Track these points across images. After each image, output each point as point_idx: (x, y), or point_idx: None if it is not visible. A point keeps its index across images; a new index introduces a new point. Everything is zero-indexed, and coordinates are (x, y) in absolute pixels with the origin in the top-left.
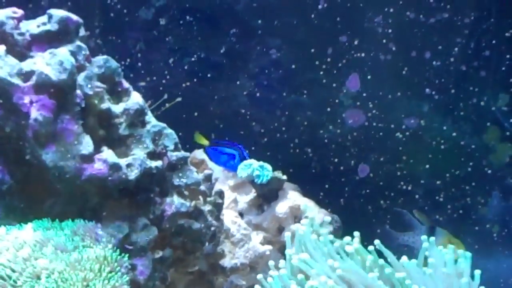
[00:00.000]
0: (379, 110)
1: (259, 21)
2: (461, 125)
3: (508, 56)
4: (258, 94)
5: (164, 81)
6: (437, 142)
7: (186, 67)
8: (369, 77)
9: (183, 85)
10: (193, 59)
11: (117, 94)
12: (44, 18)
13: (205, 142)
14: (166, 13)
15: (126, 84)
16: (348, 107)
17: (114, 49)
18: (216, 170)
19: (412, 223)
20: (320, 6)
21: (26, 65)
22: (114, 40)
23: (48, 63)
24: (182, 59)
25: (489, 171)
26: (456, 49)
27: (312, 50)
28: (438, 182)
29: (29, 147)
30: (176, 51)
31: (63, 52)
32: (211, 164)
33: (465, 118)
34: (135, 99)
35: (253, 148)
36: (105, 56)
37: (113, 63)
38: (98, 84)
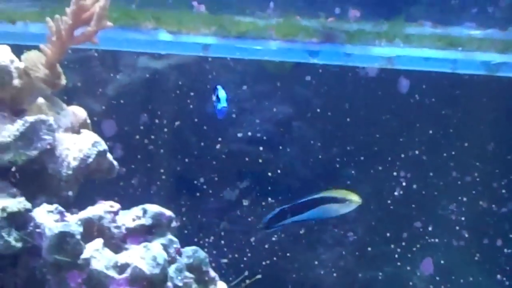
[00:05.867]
0: None
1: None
2: None
3: None
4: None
5: (245, 258)
6: None
7: (266, 246)
8: (442, 261)
9: (263, 263)
10: (273, 238)
11: (204, 283)
12: (138, 211)
13: None
14: (249, 194)
15: (212, 273)
16: None
17: (198, 228)
18: None
19: None
20: (396, 193)
21: (122, 258)
22: (199, 219)
23: (142, 257)
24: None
25: None
26: None
27: (388, 234)
28: None
29: None
30: (258, 229)
31: (157, 248)
32: None
33: None
34: None
35: None
36: (194, 247)
37: (201, 254)
38: (187, 274)
